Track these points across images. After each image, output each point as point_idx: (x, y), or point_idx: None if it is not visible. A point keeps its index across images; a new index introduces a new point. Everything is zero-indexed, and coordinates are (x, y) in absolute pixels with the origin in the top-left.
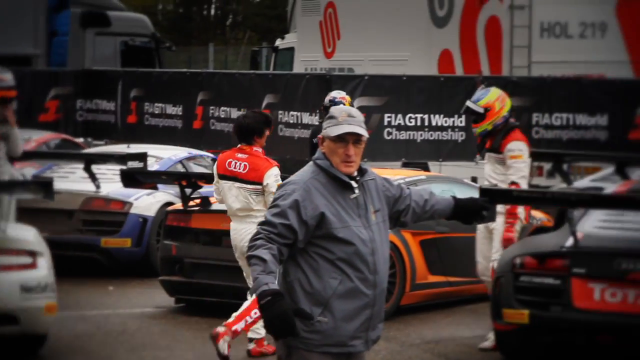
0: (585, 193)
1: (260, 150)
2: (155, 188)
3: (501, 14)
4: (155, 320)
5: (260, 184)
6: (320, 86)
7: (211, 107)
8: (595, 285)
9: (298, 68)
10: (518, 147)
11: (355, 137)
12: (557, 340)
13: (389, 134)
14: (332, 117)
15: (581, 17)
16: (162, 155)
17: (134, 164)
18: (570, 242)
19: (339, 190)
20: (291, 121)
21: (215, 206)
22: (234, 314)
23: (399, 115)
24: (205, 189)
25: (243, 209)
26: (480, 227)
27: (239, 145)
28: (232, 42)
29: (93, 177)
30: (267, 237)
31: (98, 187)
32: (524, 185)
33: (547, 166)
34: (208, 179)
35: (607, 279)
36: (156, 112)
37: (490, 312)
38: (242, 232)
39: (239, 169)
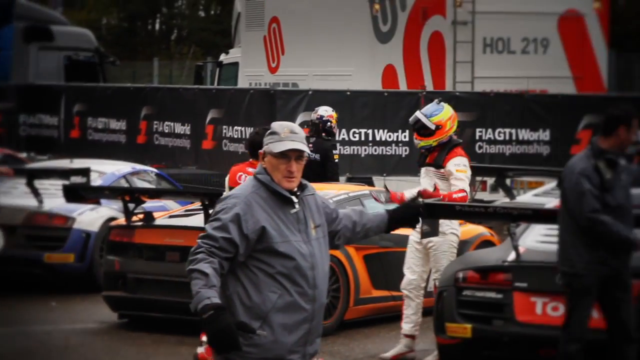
0: (527, 208)
1: None
2: (99, 203)
3: (444, 30)
4: (99, 335)
5: None
6: (264, 101)
7: (155, 122)
8: (537, 299)
9: (242, 83)
10: (463, 162)
11: (298, 154)
12: (499, 354)
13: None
14: (274, 133)
15: (524, 33)
16: (105, 170)
17: (77, 179)
18: (512, 256)
19: (280, 205)
20: (235, 136)
21: (159, 221)
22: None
23: (343, 130)
24: (149, 204)
25: None
26: (413, 240)
27: (250, 160)
28: (177, 57)
29: (36, 192)
30: (208, 251)
31: (41, 202)
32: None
33: (490, 181)
34: (151, 194)
35: (549, 293)
36: (100, 127)
37: (434, 327)
38: None
39: None
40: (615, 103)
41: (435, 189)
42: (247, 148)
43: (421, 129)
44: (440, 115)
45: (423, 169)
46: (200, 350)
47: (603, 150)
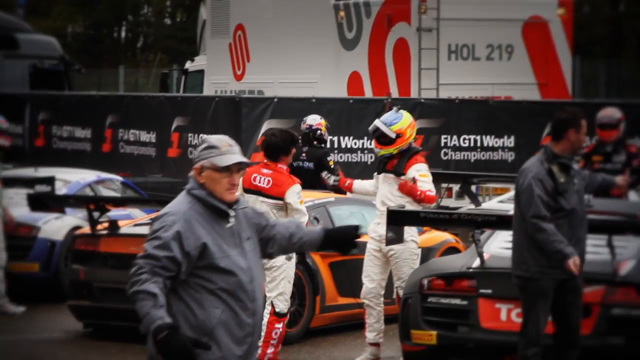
0: (492, 214)
1: (285, 167)
2: (63, 212)
3: (409, 37)
4: (64, 345)
5: (282, 199)
6: (230, 109)
7: (120, 130)
8: (502, 306)
9: (208, 90)
10: (424, 168)
11: (239, 166)
12: None
13: None
14: (213, 147)
15: (488, 40)
16: (70, 179)
17: (41, 188)
18: (477, 263)
19: (216, 220)
20: None
21: (124, 230)
22: (259, 344)
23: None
24: (114, 213)
25: None
26: (371, 249)
27: (265, 161)
28: (143, 65)
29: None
30: (151, 271)
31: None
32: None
33: (455, 187)
34: (116, 202)
35: (514, 300)
36: (65, 135)
37: (399, 334)
38: None
39: (263, 183)
40: (562, 107)
41: (414, 181)
42: (263, 149)
43: (381, 137)
44: (400, 123)
45: (381, 176)
46: None
47: (556, 155)
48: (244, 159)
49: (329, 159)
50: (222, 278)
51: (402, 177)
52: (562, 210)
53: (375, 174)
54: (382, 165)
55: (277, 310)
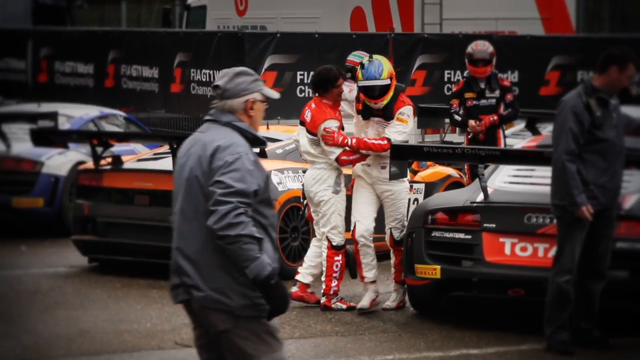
0: (495, 148)
1: (330, 102)
2: (67, 147)
3: None
4: (69, 279)
5: (316, 134)
6: (232, 44)
7: (123, 66)
8: (505, 240)
9: (210, 26)
10: (408, 113)
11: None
12: (469, 294)
13: (302, 91)
14: (258, 79)
15: None
16: (73, 114)
17: (45, 123)
18: (480, 197)
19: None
20: (203, 79)
21: (127, 165)
22: (322, 279)
23: (311, 73)
24: (117, 148)
25: (309, 154)
26: (361, 186)
27: (316, 94)
28: (146, 0)
29: (3, 137)
30: (246, 212)
31: (9, 146)
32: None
33: None
34: (120, 137)
35: (518, 234)
36: (67, 70)
37: (403, 268)
38: (308, 178)
39: (307, 117)
40: (618, 44)
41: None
42: (311, 82)
43: (375, 91)
44: (384, 67)
45: (371, 120)
46: (295, 289)
47: (595, 89)
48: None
49: None
50: (271, 212)
51: (391, 121)
52: (597, 141)
53: (360, 117)
54: (369, 110)
55: (333, 244)
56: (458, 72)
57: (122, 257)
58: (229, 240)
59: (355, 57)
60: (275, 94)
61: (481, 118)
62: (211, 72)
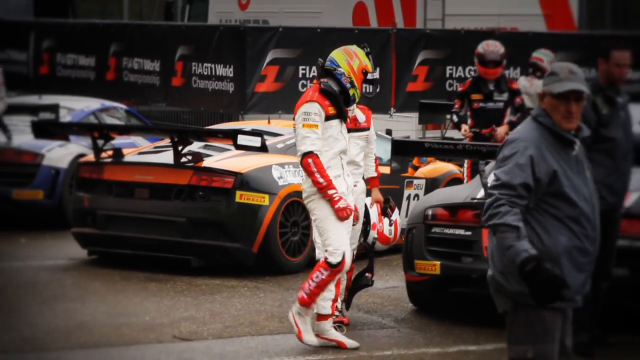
0: (496, 145)
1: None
2: (68, 139)
3: None
4: (68, 272)
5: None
6: (234, 38)
7: (124, 59)
8: None
9: (213, 20)
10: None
11: (577, 95)
12: (468, 290)
13: (304, 86)
14: (554, 73)
15: None
16: (74, 107)
17: (46, 115)
18: (481, 193)
19: (562, 147)
20: (205, 73)
21: (128, 158)
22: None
23: (313, 67)
24: (118, 141)
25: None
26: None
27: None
28: None
29: (4, 128)
30: (509, 202)
31: (9, 138)
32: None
33: None
34: (120, 130)
35: None
36: (69, 63)
37: (402, 263)
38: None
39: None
40: (620, 41)
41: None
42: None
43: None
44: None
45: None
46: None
47: (601, 87)
48: (581, 87)
49: None
50: (568, 206)
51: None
52: (604, 140)
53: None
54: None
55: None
56: (460, 68)
57: (122, 250)
58: (491, 229)
59: (541, 54)
60: (558, 89)
61: (488, 123)
62: (213, 65)
